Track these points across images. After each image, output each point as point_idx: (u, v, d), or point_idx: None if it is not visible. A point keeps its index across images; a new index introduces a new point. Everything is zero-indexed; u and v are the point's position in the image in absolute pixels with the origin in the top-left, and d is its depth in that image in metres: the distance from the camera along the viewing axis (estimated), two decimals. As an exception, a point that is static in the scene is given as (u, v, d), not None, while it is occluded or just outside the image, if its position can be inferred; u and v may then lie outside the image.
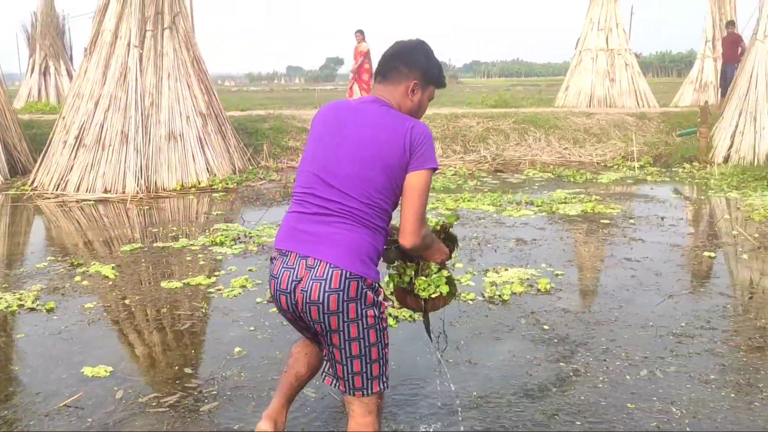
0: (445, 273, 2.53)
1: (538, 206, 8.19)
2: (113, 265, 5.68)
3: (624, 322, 4.33)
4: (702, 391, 3.37)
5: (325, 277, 2.17)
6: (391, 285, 2.61)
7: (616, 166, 11.94)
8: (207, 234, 6.78)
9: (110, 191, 9.17)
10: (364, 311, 2.22)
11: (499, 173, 11.43)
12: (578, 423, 3.08)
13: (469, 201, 8.54)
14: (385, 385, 2.35)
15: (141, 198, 8.95)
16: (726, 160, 11.57)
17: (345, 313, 2.19)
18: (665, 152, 12.60)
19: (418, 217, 2.26)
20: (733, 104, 11.81)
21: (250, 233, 6.81)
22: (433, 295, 2.52)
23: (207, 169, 9.95)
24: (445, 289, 2.51)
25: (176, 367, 3.70)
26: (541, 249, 6.19)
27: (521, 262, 5.71)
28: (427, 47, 2.48)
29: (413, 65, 2.39)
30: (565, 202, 8.42)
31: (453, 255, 2.63)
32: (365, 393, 2.29)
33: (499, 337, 4.11)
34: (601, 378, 3.53)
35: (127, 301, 4.82)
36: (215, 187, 9.64)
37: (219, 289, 5.05)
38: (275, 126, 12.54)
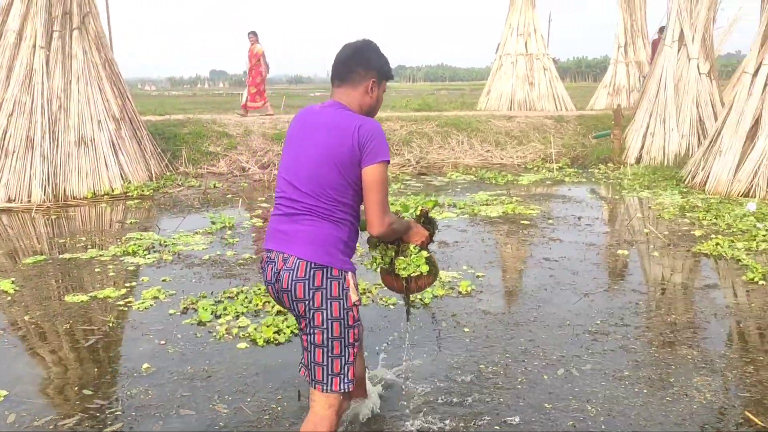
0: (424, 254, 2.66)
1: (460, 208, 8.25)
2: (13, 279, 5.32)
3: (542, 322, 4.37)
4: (616, 388, 3.42)
5: (293, 267, 2.37)
6: (374, 266, 2.74)
7: (536, 168, 12.22)
8: (119, 243, 6.47)
9: (14, 200, 8.64)
10: (329, 302, 2.37)
11: (423, 176, 11.49)
12: (497, 428, 3.06)
13: (392, 204, 8.49)
14: (347, 386, 2.43)
15: (48, 207, 8.47)
16: (638, 160, 12.03)
17: (311, 300, 2.37)
18: (582, 154, 13.00)
19: (380, 207, 2.39)
20: (643, 107, 12.31)
21: (165, 242, 6.54)
22: (413, 275, 2.64)
23: (121, 175, 9.54)
24: (424, 268, 2.63)
25: (77, 387, 3.46)
26: (462, 251, 6.21)
27: (443, 265, 5.71)
28: (375, 45, 2.62)
29: (368, 65, 2.54)
30: (486, 204, 8.52)
31: (433, 237, 2.78)
32: (324, 388, 2.42)
33: (420, 341, 4.06)
34: (519, 379, 3.54)
35: (27, 318, 4.51)
36: (130, 194, 9.25)
37: (129, 302, 4.80)
38: (195, 131, 12.17)
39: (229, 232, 7.04)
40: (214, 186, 10.14)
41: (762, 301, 4.77)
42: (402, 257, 2.65)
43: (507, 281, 5.37)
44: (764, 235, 6.52)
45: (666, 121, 11.83)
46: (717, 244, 6.24)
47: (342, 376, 2.41)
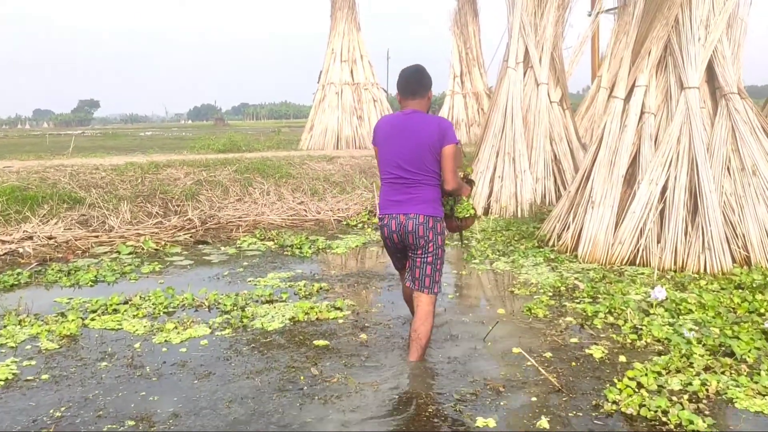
0: (471, 203, 4.25)
1: (225, 312, 5.10)
2: None
3: None
4: None
5: (415, 217, 3.90)
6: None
7: (359, 225, 9.36)
8: None
9: None
10: (436, 236, 3.95)
11: (202, 245, 8.17)
12: None
13: (112, 312, 5.16)
14: (440, 290, 4.07)
15: None
16: (486, 211, 9.57)
17: (426, 236, 3.91)
18: (418, 203, 10.38)
19: (454, 171, 3.92)
20: (488, 144, 9.90)
21: None
22: (465, 216, 4.21)
23: None
24: (471, 211, 4.22)
25: None
26: (170, 450, 3.02)
27: None
28: (424, 67, 4.12)
29: (428, 83, 4.05)
30: (270, 302, 5.43)
31: (472, 191, 4.34)
32: (429, 291, 3.98)
33: None
34: None
35: None
36: None
37: None
38: None
39: None
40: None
41: None
42: (459, 205, 4.18)
43: None
44: (702, 355, 3.95)
45: (516, 161, 9.49)
46: (640, 385, 3.56)
47: (439, 284, 4.04)
